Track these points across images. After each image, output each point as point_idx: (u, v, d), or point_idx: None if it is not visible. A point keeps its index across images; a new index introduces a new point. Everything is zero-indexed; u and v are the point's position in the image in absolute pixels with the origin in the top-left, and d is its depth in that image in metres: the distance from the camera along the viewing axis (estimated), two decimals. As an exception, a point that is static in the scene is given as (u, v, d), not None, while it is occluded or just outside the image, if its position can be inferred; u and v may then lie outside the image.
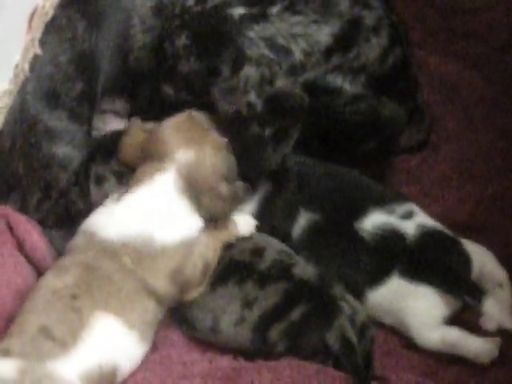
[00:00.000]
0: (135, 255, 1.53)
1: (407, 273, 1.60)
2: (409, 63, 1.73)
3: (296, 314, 1.53)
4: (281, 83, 1.64)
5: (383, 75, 1.68)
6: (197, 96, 1.70)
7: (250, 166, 1.69)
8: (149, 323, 1.52)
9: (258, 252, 1.63)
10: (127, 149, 1.67)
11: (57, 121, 1.71)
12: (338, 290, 1.57)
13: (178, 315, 1.63)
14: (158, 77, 1.72)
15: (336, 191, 1.72)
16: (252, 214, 1.73)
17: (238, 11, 1.65)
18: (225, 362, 1.57)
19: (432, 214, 1.72)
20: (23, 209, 1.71)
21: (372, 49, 1.66)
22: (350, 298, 1.57)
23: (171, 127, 1.63)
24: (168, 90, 1.71)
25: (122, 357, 1.47)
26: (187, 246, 1.57)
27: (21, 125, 1.70)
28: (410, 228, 1.64)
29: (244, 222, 1.68)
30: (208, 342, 1.61)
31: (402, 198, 1.72)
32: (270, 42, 1.63)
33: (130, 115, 1.83)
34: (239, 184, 1.65)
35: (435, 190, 1.84)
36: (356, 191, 1.72)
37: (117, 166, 1.73)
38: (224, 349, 1.61)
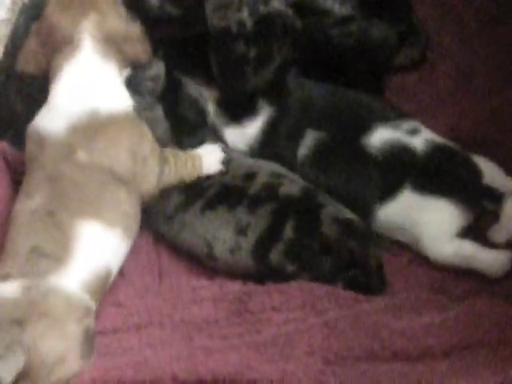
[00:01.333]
0: (87, 142, 1.54)
1: (419, 186, 1.63)
2: None
3: (289, 231, 1.58)
4: (276, 4, 1.65)
5: None
6: (183, 10, 1.70)
7: (228, 84, 1.73)
8: (127, 215, 1.56)
9: (250, 177, 1.66)
10: (28, 55, 1.64)
11: None
12: (321, 198, 1.62)
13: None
14: None
15: (340, 109, 1.74)
16: (254, 143, 1.77)
17: None
18: (236, 286, 1.61)
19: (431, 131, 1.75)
20: (18, 144, 1.71)
21: None
22: (333, 202, 1.62)
23: (57, 9, 1.62)
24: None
25: (112, 255, 1.52)
26: (138, 121, 1.61)
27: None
28: (418, 143, 1.66)
29: (210, 158, 1.69)
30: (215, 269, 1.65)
31: (406, 115, 1.75)
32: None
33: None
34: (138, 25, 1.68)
35: (433, 107, 1.86)
36: (360, 108, 1.74)
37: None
38: (234, 275, 1.64)
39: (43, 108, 1.59)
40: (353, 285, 1.58)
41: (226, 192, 1.65)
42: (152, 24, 1.69)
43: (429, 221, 1.62)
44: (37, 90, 1.71)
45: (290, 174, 1.68)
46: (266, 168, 1.69)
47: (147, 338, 1.50)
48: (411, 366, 1.42)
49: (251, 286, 1.60)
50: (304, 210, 1.60)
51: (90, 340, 1.44)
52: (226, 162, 1.69)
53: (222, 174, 1.67)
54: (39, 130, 1.57)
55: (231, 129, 1.78)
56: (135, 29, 1.66)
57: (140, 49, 1.67)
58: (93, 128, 1.55)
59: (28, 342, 1.36)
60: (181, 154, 1.67)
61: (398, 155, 1.66)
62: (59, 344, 1.40)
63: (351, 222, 1.59)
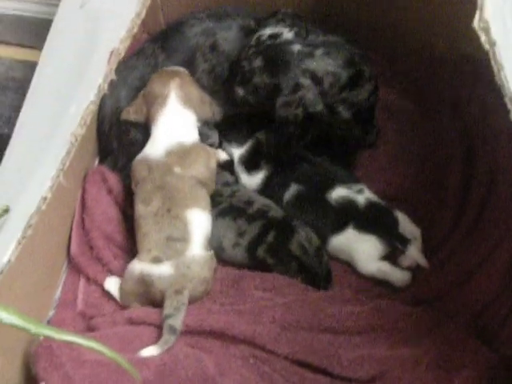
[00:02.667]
0: (179, 160, 1.63)
1: (359, 226, 1.68)
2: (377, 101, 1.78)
3: (270, 237, 1.65)
4: (319, 107, 1.69)
5: (363, 109, 1.72)
6: (259, 101, 1.75)
7: (279, 149, 1.78)
8: (207, 202, 1.64)
9: (249, 203, 1.72)
10: (134, 108, 1.74)
11: None
12: (296, 222, 1.68)
13: None
14: (232, 82, 1.75)
15: (315, 173, 1.80)
16: (257, 186, 1.84)
17: (297, 47, 1.68)
18: (234, 270, 1.67)
19: (372, 190, 1.78)
20: (114, 169, 1.80)
21: (365, 91, 1.70)
22: (306, 229, 1.68)
23: (154, 81, 1.72)
24: (240, 91, 1.75)
25: (208, 225, 1.62)
26: (201, 145, 1.70)
27: (116, 117, 1.78)
28: (361, 199, 1.72)
29: (222, 153, 1.79)
30: (220, 259, 1.68)
31: (357, 180, 1.80)
32: (313, 74, 1.67)
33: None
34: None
35: (375, 175, 1.88)
36: (328, 174, 1.79)
37: None
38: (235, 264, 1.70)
39: (148, 144, 1.68)
40: (307, 281, 1.64)
41: (231, 209, 1.71)
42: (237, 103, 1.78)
43: (361, 248, 1.68)
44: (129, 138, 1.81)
45: (276, 207, 1.74)
46: (261, 200, 1.75)
47: None
48: (335, 337, 1.49)
49: (243, 271, 1.65)
50: (282, 226, 1.67)
51: (215, 270, 1.60)
52: (235, 190, 1.77)
53: (230, 196, 1.74)
54: (147, 158, 1.65)
55: (245, 175, 1.85)
56: (206, 96, 1.75)
57: (209, 111, 1.75)
58: (181, 153, 1.64)
59: (188, 298, 1.49)
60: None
61: (347, 205, 1.72)
62: (204, 286, 1.56)
63: (309, 249, 1.65)
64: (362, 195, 1.74)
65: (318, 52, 1.69)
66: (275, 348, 1.46)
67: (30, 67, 1.61)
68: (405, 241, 1.67)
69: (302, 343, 1.47)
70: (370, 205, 1.72)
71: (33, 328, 1.11)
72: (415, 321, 1.53)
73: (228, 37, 1.84)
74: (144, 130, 1.76)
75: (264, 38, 1.74)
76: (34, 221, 1.19)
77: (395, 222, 1.71)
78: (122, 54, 1.30)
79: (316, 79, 1.67)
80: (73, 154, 1.24)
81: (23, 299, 1.40)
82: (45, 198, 1.20)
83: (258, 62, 1.71)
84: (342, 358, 1.45)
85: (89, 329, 1.54)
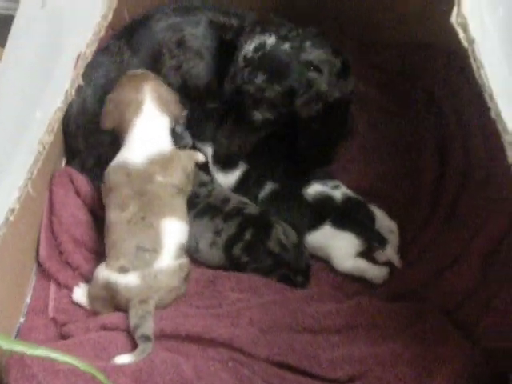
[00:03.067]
0: (161, 169, 1.58)
1: (335, 223, 1.67)
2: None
3: (248, 235, 1.63)
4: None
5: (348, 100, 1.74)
6: (278, 114, 1.71)
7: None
8: (185, 211, 1.60)
9: (226, 200, 1.70)
10: (107, 116, 1.67)
11: None
12: (274, 218, 1.67)
13: None
14: (244, 110, 1.72)
15: (292, 171, 1.80)
16: (233, 185, 1.82)
17: (286, 46, 1.66)
18: (210, 271, 1.65)
19: (345, 182, 1.78)
20: (81, 170, 1.76)
21: (351, 81, 1.72)
22: (284, 224, 1.66)
23: (124, 86, 1.66)
24: (257, 115, 1.71)
25: (184, 237, 1.57)
26: (177, 151, 1.65)
27: (82, 117, 1.75)
28: (337, 194, 1.71)
29: (199, 155, 1.72)
30: (195, 261, 1.67)
31: (332, 176, 1.79)
32: (313, 65, 1.65)
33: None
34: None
35: (348, 167, 1.87)
36: (304, 171, 1.79)
37: None
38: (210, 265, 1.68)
39: (122, 150, 1.63)
40: (283, 279, 1.62)
41: (209, 208, 1.69)
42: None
43: (338, 245, 1.66)
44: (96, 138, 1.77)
45: (252, 204, 1.72)
46: (237, 198, 1.73)
47: None
48: (314, 337, 1.47)
49: (219, 272, 1.63)
50: (260, 223, 1.65)
51: (188, 277, 1.56)
52: (211, 189, 1.74)
53: (207, 196, 1.71)
54: (126, 164, 1.59)
55: (220, 174, 1.82)
56: (175, 95, 1.70)
57: (180, 110, 1.71)
58: (163, 161, 1.60)
59: (154, 307, 1.47)
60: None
61: (324, 202, 1.71)
62: (172, 295, 1.53)
63: (288, 245, 1.63)
64: (339, 190, 1.73)
65: (307, 44, 1.67)
66: (254, 351, 1.44)
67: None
68: (382, 240, 1.66)
69: (280, 345, 1.45)
70: (347, 200, 1.71)
71: (4, 344, 1.08)
72: (394, 317, 1.52)
73: (196, 32, 1.81)
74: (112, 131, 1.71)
75: (250, 54, 1.69)
76: (2, 232, 1.15)
77: (372, 218, 1.70)
78: (89, 58, 1.26)
79: (317, 69, 1.66)
80: (41, 162, 1.20)
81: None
82: (13, 210, 1.16)
83: (260, 78, 1.67)
84: (322, 359, 1.44)
85: (61, 336, 1.51)
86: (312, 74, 1.65)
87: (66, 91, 1.23)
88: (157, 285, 1.49)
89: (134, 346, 1.42)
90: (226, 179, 1.82)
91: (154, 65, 1.78)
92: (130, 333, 1.45)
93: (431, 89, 1.90)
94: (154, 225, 1.53)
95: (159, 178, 1.58)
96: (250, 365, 1.42)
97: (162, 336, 1.45)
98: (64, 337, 1.50)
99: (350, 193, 1.74)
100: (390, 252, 1.65)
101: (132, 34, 1.81)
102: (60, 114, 1.24)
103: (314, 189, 1.73)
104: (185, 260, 1.56)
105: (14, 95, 1.33)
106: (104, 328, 1.48)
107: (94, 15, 1.21)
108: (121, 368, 1.35)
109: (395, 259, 1.65)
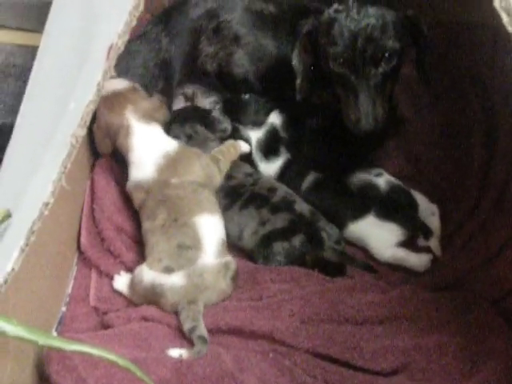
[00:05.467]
0: (172, 172, 1.57)
1: (379, 213, 1.64)
2: None
3: (297, 241, 1.58)
4: None
5: None
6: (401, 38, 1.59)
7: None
8: (214, 203, 1.59)
9: (272, 190, 1.67)
10: (101, 144, 1.67)
11: None
12: (321, 222, 1.62)
13: None
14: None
15: (333, 160, 1.77)
16: (275, 174, 1.80)
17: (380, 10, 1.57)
18: (250, 264, 1.63)
19: (389, 168, 1.77)
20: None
21: None
22: (327, 227, 1.62)
23: (106, 114, 1.64)
24: (391, 45, 1.56)
25: (221, 230, 1.56)
26: (190, 147, 1.65)
27: None
28: (381, 182, 1.69)
29: (243, 144, 1.73)
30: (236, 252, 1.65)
31: (375, 164, 1.77)
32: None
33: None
34: (155, 96, 1.70)
35: (392, 153, 1.85)
36: (347, 160, 1.77)
37: (189, 130, 1.76)
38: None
39: (132, 170, 1.61)
40: (325, 271, 1.60)
41: (254, 197, 1.67)
42: None
43: (379, 235, 1.64)
44: None
45: (298, 196, 1.69)
46: (283, 187, 1.71)
47: None
48: (357, 329, 1.44)
49: (260, 265, 1.62)
50: (311, 231, 1.60)
51: (235, 277, 1.52)
52: (257, 178, 1.73)
53: (251, 184, 1.69)
54: (140, 183, 1.59)
55: (263, 163, 1.80)
56: (156, 101, 1.67)
57: (165, 112, 1.69)
58: (171, 163, 1.59)
59: (203, 307, 1.44)
60: (222, 147, 1.69)
61: (368, 190, 1.69)
62: (219, 295, 1.50)
63: (344, 252, 1.62)
64: (382, 178, 1.70)
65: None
66: (295, 342, 1.41)
67: (31, 53, 1.55)
68: (427, 231, 1.64)
69: (322, 336, 1.42)
70: (391, 188, 1.69)
71: (40, 340, 1.06)
72: (439, 307, 1.48)
73: (232, 19, 1.78)
74: None
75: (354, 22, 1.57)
76: (37, 227, 1.14)
77: (415, 205, 1.67)
78: (122, 49, 1.23)
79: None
80: (74, 155, 1.18)
81: (32, 302, 1.36)
82: (47, 204, 1.14)
83: (371, 11, 1.56)
84: (364, 350, 1.40)
85: (103, 325, 1.50)
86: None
87: (98, 83, 1.20)
88: (203, 283, 1.46)
89: (174, 337, 1.42)
90: (269, 168, 1.80)
91: (192, 52, 1.77)
92: (169, 326, 1.45)
93: (477, 70, 1.84)
94: (188, 223, 1.51)
95: (173, 181, 1.57)
96: (291, 356, 1.40)
97: (203, 328, 1.44)
98: (105, 326, 1.48)
99: (393, 180, 1.71)
100: (433, 243, 1.63)
101: (169, 20, 1.80)
102: (93, 107, 1.21)
103: (358, 177, 1.71)
104: (229, 258, 1.53)
105: (50, 87, 1.33)
106: (145, 319, 1.47)
107: (126, 4, 1.17)
108: (161, 359, 1.34)
109: (437, 250, 1.63)
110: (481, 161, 1.73)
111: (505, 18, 0.99)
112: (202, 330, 1.39)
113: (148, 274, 1.48)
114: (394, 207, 1.65)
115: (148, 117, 1.63)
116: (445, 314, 1.47)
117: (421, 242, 1.66)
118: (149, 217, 1.55)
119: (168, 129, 1.74)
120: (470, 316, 1.46)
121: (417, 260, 1.62)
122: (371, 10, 1.55)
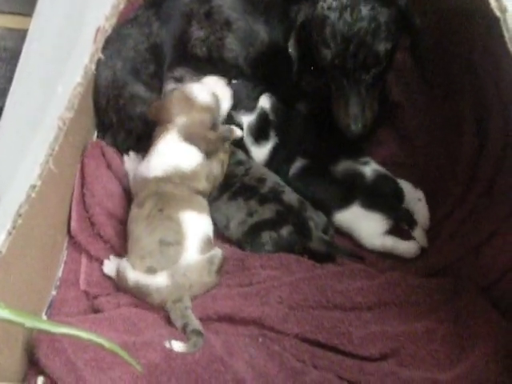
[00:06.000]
0: (177, 179, 1.56)
1: (364, 202, 1.63)
2: None
3: (285, 232, 1.58)
4: None
5: None
6: (393, 39, 1.59)
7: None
8: (205, 205, 1.58)
9: (262, 180, 1.66)
10: (153, 111, 1.65)
11: (137, 90, 1.74)
12: (308, 211, 1.61)
13: None
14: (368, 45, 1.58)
15: (321, 147, 1.75)
16: (265, 158, 1.79)
17: None
18: (239, 250, 1.63)
19: (379, 156, 1.77)
20: (113, 144, 1.75)
21: None
22: (315, 215, 1.62)
23: (170, 101, 1.63)
24: (380, 48, 1.56)
25: (207, 228, 1.54)
26: (203, 166, 1.61)
27: (112, 90, 1.72)
28: (367, 171, 1.67)
29: (236, 130, 1.72)
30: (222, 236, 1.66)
31: (363, 152, 1.75)
32: None
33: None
34: (223, 128, 1.68)
35: (384, 140, 1.85)
36: (334, 148, 1.74)
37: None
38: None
39: (145, 160, 1.61)
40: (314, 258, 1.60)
41: (244, 189, 1.66)
42: None
43: (366, 225, 1.64)
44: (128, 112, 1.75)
45: (287, 186, 1.68)
46: (273, 177, 1.70)
47: None
48: (345, 315, 1.44)
49: (247, 252, 1.62)
50: (299, 221, 1.60)
51: (221, 269, 1.50)
52: (248, 167, 1.71)
53: (242, 175, 1.68)
54: (146, 177, 1.58)
55: (254, 147, 1.79)
56: (212, 135, 1.64)
57: (211, 147, 1.63)
58: (181, 175, 1.58)
59: (190, 302, 1.43)
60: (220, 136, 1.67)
61: (353, 178, 1.67)
62: (204, 289, 1.48)
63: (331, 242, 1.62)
64: (369, 167, 1.69)
65: None
66: (284, 328, 1.41)
67: (23, 36, 1.52)
68: (411, 221, 1.64)
69: (311, 322, 1.42)
70: (377, 177, 1.67)
71: (27, 322, 1.06)
72: (428, 293, 1.49)
73: (223, 4, 1.77)
74: (143, 103, 1.72)
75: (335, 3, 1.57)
76: (24, 210, 1.13)
77: (401, 195, 1.66)
78: (109, 32, 1.22)
79: None
80: (61, 138, 1.17)
81: (21, 285, 1.36)
82: (34, 186, 1.14)
83: (366, 9, 1.55)
84: (353, 336, 1.41)
85: (93, 309, 1.50)
86: None
87: (86, 66, 1.19)
88: (187, 282, 1.45)
89: (165, 322, 1.42)
90: (259, 152, 1.79)
91: (182, 36, 1.76)
92: (160, 311, 1.45)
93: (470, 58, 1.82)
94: (173, 216, 1.50)
95: (176, 180, 1.57)
96: (280, 341, 1.40)
97: (192, 315, 1.44)
98: (95, 310, 1.49)
99: (380, 169, 1.70)
100: (418, 233, 1.63)
101: (161, 4, 1.79)
102: (80, 89, 1.21)
103: (344, 165, 1.69)
104: (214, 252, 1.51)
105: (39, 69, 1.32)
106: (135, 305, 1.47)
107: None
108: (151, 344, 1.34)
109: (422, 240, 1.63)
110: (471, 148, 1.72)
111: (493, 2, 0.99)
112: (195, 324, 1.39)
113: (132, 274, 1.46)
114: (379, 197, 1.64)
115: (192, 138, 1.61)
116: (434, 300, 1.47)
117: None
118: (138, 204, 1.55)
119: None
120: (458, 302, 1.46)
121: (406, 247, 1.62)
122: (364, 11, 1.54)
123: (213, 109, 1.67)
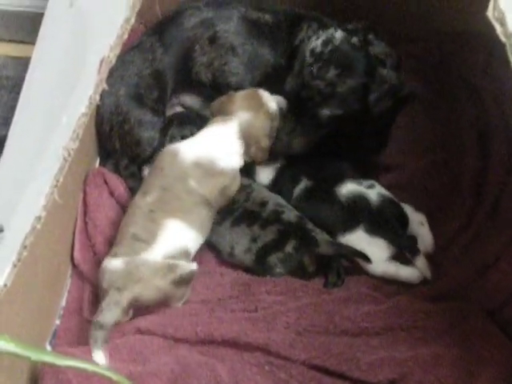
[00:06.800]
0: (200, 175, 1.57)
1: (368, 228, 1.61)
2: None
3: (289, 248, 1.57)
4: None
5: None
6: (347, 111, 1.63)
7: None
8: (203, 221, 1.57)
9: (263, 204, 1.65)
10: (216, 103, 1.68)
11: (143, 115, 1.73)
12: (310, 225, 1.61)
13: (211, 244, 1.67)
14: (311, 107, 1.64)
15: (326, 169, 1.74)
16: (270, 179, 1.78)
17: (355, 40, 1.59)
18: (244, 275, 1.61)
19: (383, 178, 1.77)
20: (115, 170, 1.74)
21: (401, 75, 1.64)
22: (316, 229, 1.61)
23: (240, 96, 1.66)
24: (325, 111, 1.63)
25: (188, 243, 1.53)
26: (234, 174, 1.62)
27: (116, 117, 1.71)
28: (372, 195, 1.64)
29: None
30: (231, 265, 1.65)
31: (368, 175, 1.73)
32: (379, 59, 1.59)
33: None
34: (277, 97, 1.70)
35: (387, 161, 1.84)
36: (339, 170, 1.73)
37: (187, 133, 1.74)
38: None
39: (190, 139, 1.63)
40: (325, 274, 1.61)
41: (246, 214, 1.65)
42: None
43: (370, 250, 1.60)
44: (133, 138, 1.75)
45: (288, 205, 1.67)
46: (274, 199, 1.68)
47: (186, 307, 1.52)
48: (353, 340, 1.43)
49: (253, 276, 1.60)
50: (301, 235, 1.59)
51: (180, 282, 1.48)
52: (250, 191, 1.69)
53: (244, 200, 1.67)
54: (178, 151, 1.59)
55: (260, 168, 1.78)
56: (266, 142, 1.65)
57: (259, 155, 1.66)
58: (208, 170, 1.58)
59: (128, 300, 1.41)
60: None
61: (359, 203, 1.65)
62: (152, 293, 1.45)
63: (339, 243, 1.62)
64: (374, 190, 1.67)
65: (371, 37, 1.61)
66: (291, 354, 1.40)
67: (24, 64, 1.54)
68: (414, 250, 1.61)
69: (318, 348, 1.41)
70: (382, 201, 1.65)
71: (33, 355, 1.05)
72: (435, 318, 1.47)
73: (228, 29, 1.77)
74: (150, 128, 1.73)
75: (318, 48, 1.62)
76: (29, 241, 1.13)
77: (406, 220, 1.65)
78: (113, 62, 1.22)
79: (382, 62, 1.60)
80: (66, 168, 1.16)
81: (25, 316, 1.35)
82: (39, 218, 1.13)
83: (332, 73, 1.59)
84: (361, 362, 1.39)
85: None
86: (381, 68, 1.59)
87: (90, 96, 1.19)
88: (137, 275, 1.44)
89: (170, 349, 1.40)
90: (264, 173, 1.79)
91: (186, 62, 1.76)
92: (164, 337, 1.43)
93: (471, 79, 1.83)
94: (158, 221, 1.51)
95: (192, 183, 1.56)
96: (286, 368, 1.39)
97: (197, 341, 1.43)
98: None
99: (385, 193, 1.68)
100: (420, 263, 1.60)
101: (164, 30, 1.78)
102: (85, 120, 1.21)
103: (348, 188, 1.68)
104: (181, 263, 1.50)
105: (42, 100, 1.32)
106: (140, 331, 1.45)
107: (119, 17, 1.17)
108: (156, 373, 1.33)
109: (424, 270, 1.61)
110: (474, 169, 1.72)
111: (498, 29, 0.99)
112: (104, 318, 1.38)
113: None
114: (384, 222, 1.62)
115: (245, 136, 1.63)
116: (441, 325, 1.46)
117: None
118: (144, 192, 1.56)
119: (165, 128, 1.75)
120: (466, 326, 1.45)
121: (409, 273, 1.61)
122: (330, 73, 1.60)
123: (274, 120, 1.68)
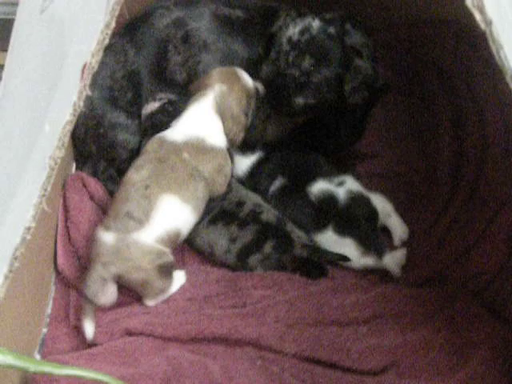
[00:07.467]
0: (192, 151, 1.56)
1: (337, 229, 1.63)
2: None
3: (268, 248, 1.58)
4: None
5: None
6: (321, 101, 1.65)
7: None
8: (199, 198, 1.56)
9: (241, 204, 1.65)
10: (195, 83, 1.68)
11: (117, 117, 1.72)
12: (288, 226, 1.62)
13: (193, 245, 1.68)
14: (286, 95, 1.66)
15: (300, 166, 1.74)
16: (247, 170, 1.79)
17: (332, 30, 1.61)
18: (230, 272, 1.62)
19: (360, 168, 1.80)
20: (94, 174, 1.73)
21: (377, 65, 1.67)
22: (295, 229, 1.62)
23: (217, 70, 1.65)
24: (300, 100, 1.65)
25: (182, 223, 1.53)
26: (225, 152, 1.62)
27: (91, 120, 1.71)
28: (341, 193, 1.66)
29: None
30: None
31: (340, 172, 1.73)
32: (356, 49, 1.60)
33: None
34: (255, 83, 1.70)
35: (363, 151, 1.86)
36: (312, 167, 1.73)
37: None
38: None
39: (172, 126, 1.62)
40: (306, 272, 1.60)
41: (223, 214, 1.65)
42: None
43: (342, 250, 1.61)
44: (108, 141, 1.74)
45: (266, 205, 1.68)
46: (252, 198, 1.69)
47: (174, 306, 1.51)
48: (342, 330, 1.44)
49: (239, 272, 1.61)
50: (280, 235, 1.60)
51: (164, 271, 1.50)
52: (228, 190, 1.68)
53: (221, 199, 1.66)
54: (165, 138, 1.58)
55: (239, 156, 1.78)
56: (242, 118, 1.65)
57: (234, 131, 1.65)
58: (199, 148, 1.58)
59: (111, 275, 1.44)
60: None
61: (327, 202, 1.66)
62: (136, 275, 1.47)
63: (314, 246, 1.62)
64: (343, 188, 1.68)
65: (348, 26, 1.62)
66: (282, 347, 1.41)
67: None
68: (380, 250, 1.62)
69: (308, 339, 1.42)
70: (350, 199, 1.66)
71: (31, 367, 1.05)
72: (422, 303, 1.49)
73: (200, 27, 1.77)
74: (125, 131, 1.73)
75: (295, 37, 1.64)
76: (20, 252, 1.12)
77: (375, 215, 1.67)
78: (96, 68, 1.21)
79: (359, 53, 1.61)
80: (53, 177, 1.16)
81: (15, 327, 1.35)
82: (29, 228, 1.12)
83: (307, 62, 1.61)
84: (352, 351, 1.41)
85: (85, 343, 1.48)
86: (357, 59, 1.61)
87: (74, 103, 1.18)
88: (126, 254, 1.46)
89: (160, 348, 1.41)
90: (241, 162, 1.79)
91: (160, 62, 1.75)
92: (154, 337, 1.44)
93: (442, 65, 1.85)
94: (152, 198, 1.50)
95: (186, 155, 1.56)
96: (278, 362, 1.40)
97: (187, 339, 1.43)
98: (89, 344, 1.46)
99: (354, 189, 1.69)
100: (387, 262, 1.61)
101: (135, 31, 1.77)
102: (69, 127, 1.20)
103: (318, 187, 1.68)
104: (167, 252, 1.52)
105: (21, 107, 1.30)
106: (128, 332, 1.46)
107: (96, 22, 1.16)
108: (149, 374, 1.33)
109: (393, 269, 1.62)
110: (451, 154, 1.74)
111: (478, 16, 1.00)
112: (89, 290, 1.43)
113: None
114: (352, 221, 1.64)
115: (221, 111, 1.63)
116: (428, 309, 1.48)
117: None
118: (136, 167, 1.55)
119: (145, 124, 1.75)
120: (453, 309, 1.47)
121: (390, 261, 1.62)
122: (305, 62, 1.62)
123: (250, 96, 1.68)
